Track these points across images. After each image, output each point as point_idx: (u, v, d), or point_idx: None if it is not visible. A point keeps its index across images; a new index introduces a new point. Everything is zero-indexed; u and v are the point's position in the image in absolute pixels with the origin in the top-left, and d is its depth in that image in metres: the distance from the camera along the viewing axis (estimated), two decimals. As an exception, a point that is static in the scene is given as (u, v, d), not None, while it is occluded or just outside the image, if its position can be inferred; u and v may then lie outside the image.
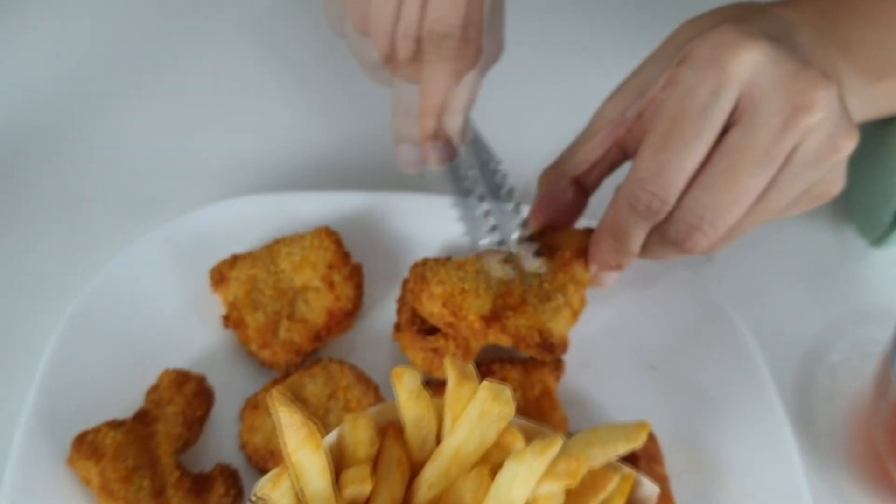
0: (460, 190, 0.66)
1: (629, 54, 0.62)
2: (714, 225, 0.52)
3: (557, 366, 0.67)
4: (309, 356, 0.68)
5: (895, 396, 0.62)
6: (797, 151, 0.50)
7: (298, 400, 0.63)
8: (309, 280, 0.69)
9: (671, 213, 0.54)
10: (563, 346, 0.62)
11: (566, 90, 0.84)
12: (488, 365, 0.66)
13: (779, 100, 0.49)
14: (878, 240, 0.74)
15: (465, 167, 0.65)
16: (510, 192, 0.66)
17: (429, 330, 0.66)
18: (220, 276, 0.69)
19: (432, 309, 0.63)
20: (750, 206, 0.52)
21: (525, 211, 0.65)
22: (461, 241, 0.68)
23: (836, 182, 0.55)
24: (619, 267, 0.60)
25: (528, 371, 0.66)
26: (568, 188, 0.62)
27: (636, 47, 0.61)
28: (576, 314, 0.64)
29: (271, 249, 0.70)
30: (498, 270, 0.63)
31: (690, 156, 0.51)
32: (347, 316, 0.69)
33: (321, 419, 0.62)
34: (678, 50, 0.54)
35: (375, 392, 0.65)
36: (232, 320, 0.68)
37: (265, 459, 0.62)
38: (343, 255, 0.71)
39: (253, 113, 0.86)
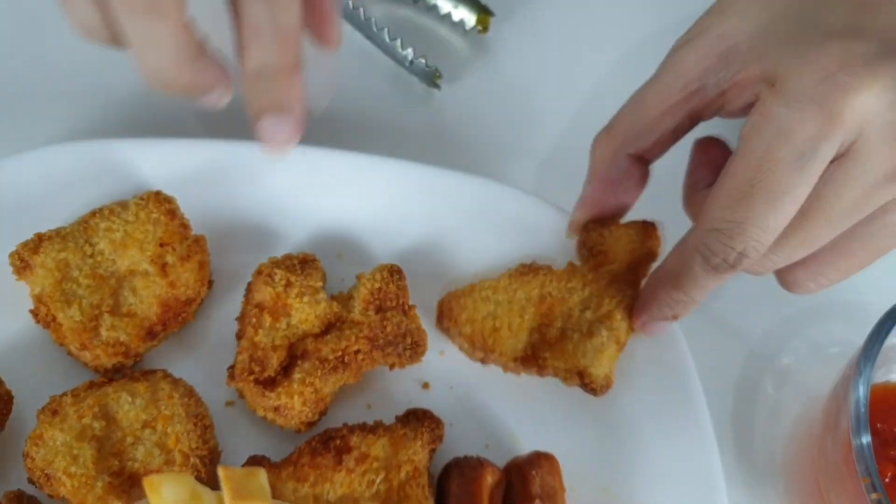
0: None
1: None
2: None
3: (435, 435, 0.54)
4: (142, 356, 0.56)
5: (847, 428, 0.49)
6: None
7: (107, 419, 0.53)
8: (135, 262, 0.56)
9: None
10: (607, 387, 0.55)
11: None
12: (345, 437, 0.53)
13: (887, 151, 0.42)
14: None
15: None
16: None
17: (269, 380, 0.54)
18: (21, 262, 0.55)
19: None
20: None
21: None
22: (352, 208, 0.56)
23: None
24: (675, 318, 0.52)
25: (395, 444, 0.53)
26: (632, 167, 0.51)
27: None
28: (622, 346, 0.55)
29: (86, 225, 0.56)
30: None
31: (778, 213, 0.43)
32: (186, 305, 0.56)
33: (126, 451, 0.52)
34: None
35: (204, 433, 0.54)
36: (41, 318, 0.55)
37: (41, 482, 0.51)
38: (179, 228, 0.57)
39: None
